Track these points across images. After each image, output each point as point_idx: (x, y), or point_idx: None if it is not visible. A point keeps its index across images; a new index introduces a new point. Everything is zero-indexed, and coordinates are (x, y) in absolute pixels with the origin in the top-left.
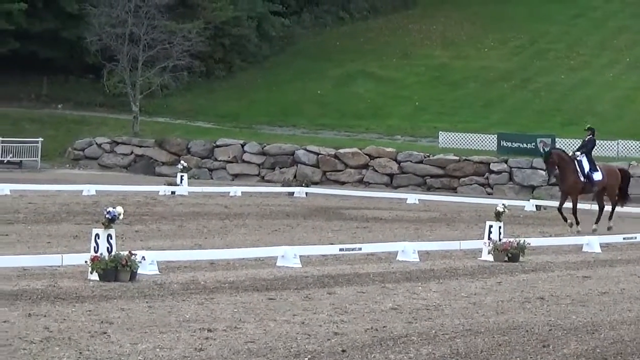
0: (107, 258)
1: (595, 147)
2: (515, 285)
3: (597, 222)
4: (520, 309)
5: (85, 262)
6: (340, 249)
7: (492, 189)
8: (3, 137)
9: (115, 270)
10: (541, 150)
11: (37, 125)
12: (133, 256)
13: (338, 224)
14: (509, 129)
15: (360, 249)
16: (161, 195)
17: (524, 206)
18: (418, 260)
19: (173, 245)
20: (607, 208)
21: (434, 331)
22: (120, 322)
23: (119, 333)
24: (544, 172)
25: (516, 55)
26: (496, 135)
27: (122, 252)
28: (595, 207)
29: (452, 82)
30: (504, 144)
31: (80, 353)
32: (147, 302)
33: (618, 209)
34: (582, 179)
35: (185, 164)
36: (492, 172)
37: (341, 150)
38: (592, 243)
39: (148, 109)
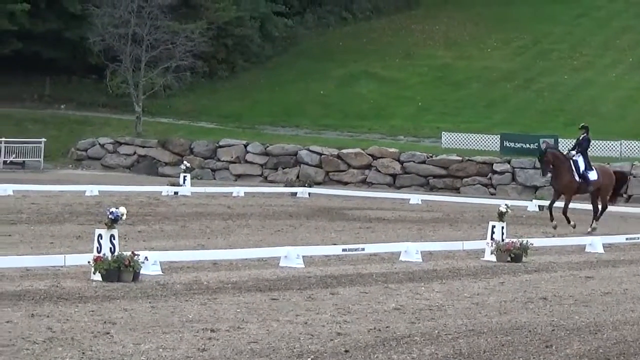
0: (110, 258)
1: (599, 148)
2: (518, 286)
3: (595, 221)
4: (523, 309)
5: (88, 262)
6: (343, 250)
7: (495, 189)
8: (6, 138)
9: (118, 270)
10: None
11: (40, 125)
12: (136, 256)
13: (341, 224)
14: (511, 130)
15: (363, 249)
16: (164, 195)
17: (527, 206)
18: (421, 260)
19: (176, 245)
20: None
21: (436, 331)
22: (123, 323)
23: (122, 333)
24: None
25: (519, 55)
26: (499, 136)
27: (125, 253)
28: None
29: (455, 83)
30: (507, 145)
31: (83, 353)
32: (150, 302)
33: (618, 208)
34: (577, 178)
35: (188, 165)
36: (495, 172)
37: (344, 151)
38: (595, 243)
39: (151, 109)
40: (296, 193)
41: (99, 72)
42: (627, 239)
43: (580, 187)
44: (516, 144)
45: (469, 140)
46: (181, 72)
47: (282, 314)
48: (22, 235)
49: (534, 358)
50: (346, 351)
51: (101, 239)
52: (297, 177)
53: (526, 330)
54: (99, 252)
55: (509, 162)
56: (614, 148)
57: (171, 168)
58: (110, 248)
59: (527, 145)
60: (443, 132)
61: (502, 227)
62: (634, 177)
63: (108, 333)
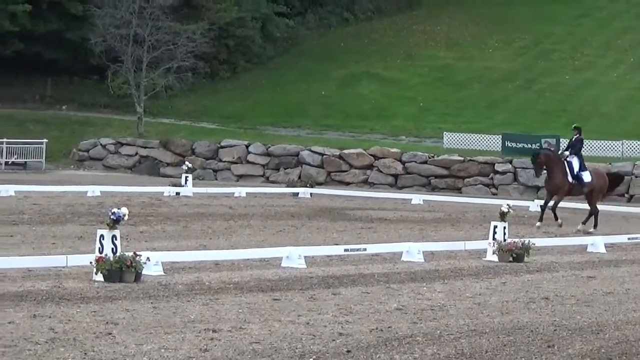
0: (111, 259)
1: (600, 148)
2: (520, 286)
3: (595, 226)
4: (525, 309)
5: (90, 263)
6: (345, 250)
7: (496, 189)
8: (8, 139)
9: (120, 271)
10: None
11: (41, 126)
12: (138, 257)
13: (343, 224)
14: (513, 130)
15: (365, 249)
16: (166, 196)
17: (529, 206)
18: (423, 260)
19: (178, 246)
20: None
21: (438, 331)
22: (125, 323)
23: (124, 334)
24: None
25: (520, 55)
26: (501, 136)
27: (126, 253)
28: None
29: (456, 83)
30: (509, 145)
31: (86, 354)
32: (152, 302)
33: (620, 208)
34: (570, 179)
35: (189, 165)
36: (496, 172)
37: (346, 151)
38: (596, 243)
39: (152, 110)
40: (298, 193)
41: (101, 72)
42: (629, 238)
43: (574, 189)
44: (518, 144)
45: (470, 141)
46: (183, 73)
47: (284, 314)
48: (24, 235)
49: (536, 358)
50: (348, 351)
51: (103, 239)
52: (299, 177)
53: (528, 330)
54: (100, 252)
55: (510, 162)
56: (615, 148)
57: (173, 168)
58: (112, 248)
59: (529, 146)
60: (445, 133)
61: (504, 227)
62: (636, 177)
63: (110, 333)
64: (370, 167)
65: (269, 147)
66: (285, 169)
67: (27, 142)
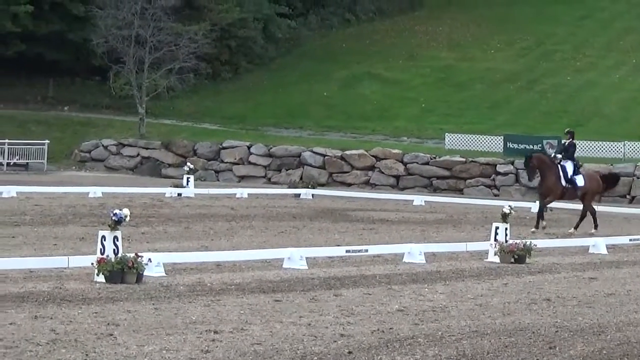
0: (113, 260)
1: (602, 149)
2: (521, 287)
3: (595, 227)
4: (526, 310)
5: (92, 264)
6: (347, 251)
7: (498, 190)
8: (9, 139)
9: (122, 272)
10: (547, 150)
11: (43, 127)
12: (139, 258)
13: (344, 225)
14: (515, 131)
15: (366, 250)
16: (167, 197)
17: (530, 208)
18: (424, 261)
19: (179, 247)
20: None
21: (440, 333)
22: (126, 324)
23: (125, 335)
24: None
25: (522, 56)
26: (502, 137)
27: (128, 254)
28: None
29: (458, 84)
30: (510, 146)
31: (87, 355)
32: (153, 304)
33: (621, 209)
34: (563, 183)
35: (191, 166)
36: (498, 173)
37: (347, 152)
38: (598, 245)
39: (154, 111)
40: (299, 194)
41: (103, 73)
42: (630, 240)
43: (567, 192)
44: (519, 145)
45: (472, 142)
46: (184, 74)
47: (285, 315)
48: (26, 236)
49: (537, 359)
50: (349, 352)
51: (104, 240)
52: (301, 178)
53: (530, 332)
54: (102, 253)
55: (512, 163)
56: (617, 149)
57: (174, 169)
58: (114, 249)
59: (531, 147)
60: (446, 134)
61: (506, 229)
62: (637, 178)
63: (111, 335)
64: (371, 168)
65: (271, 148)
66: (287, 170)
67: (29, 143)
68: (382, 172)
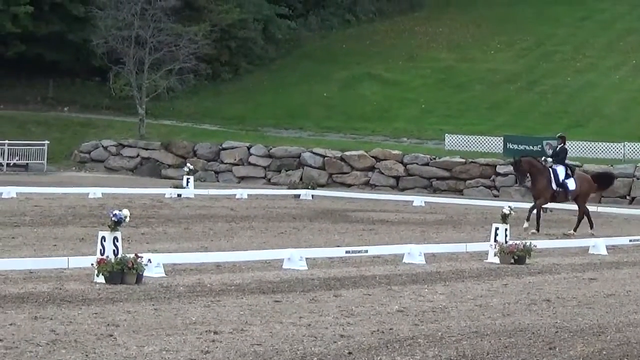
0: (113, 261)
1: (602, 150)
2: (521, 288)
3: (591, 227)
4: (526, 311)
5: (92, 264)
6: (347, 252)
7: (498, 191)
8: (9, 140)
9: (122, 272)
10: (547, 151)
11: (43, 128)
12: (139, 259)
13: (344, 226)
14: (515, 131)
15: (366, 251)
16: (167, 197)
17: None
18: (424, 262)
19: (179, 247)
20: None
21: (440, 333)
22: (126, 325)
23: (125, 336)
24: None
25: (522, 57)
26: (502, 138)
27: (128, 255)
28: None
29: (458, 85)
30: (510, 146)
31: (87, 356)
32: (153, 304)
33: (621, 210)
34: (554, 187)
35: (191, 167)
36: (498, 174)
37: (347, 153)
38: (598, 245)
39: (154, 111)
40: (299, 195)
41: (102, 74)
42: (630, 240)
43: (558, 196)
44: (519, 145)
45: (472, 142)
46: (184, 75)
47: (285, 316)
48: (25, 237)
49: None
50: (349, 353)
51: (104, 241)
52: (301, 179)
53: (529, 332)
54: (102, 254)
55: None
56: (617, 150)
57: (174, 170)
58: (114, 250)
59: (531, 147)
60: (446, 134)
61: (506, 229)
62: (637, 179)
63: (111, 335)
64: (371, 168)
65: (271, 148)
66: (286, 170)
67: (29, 144)
68: (382, 173)
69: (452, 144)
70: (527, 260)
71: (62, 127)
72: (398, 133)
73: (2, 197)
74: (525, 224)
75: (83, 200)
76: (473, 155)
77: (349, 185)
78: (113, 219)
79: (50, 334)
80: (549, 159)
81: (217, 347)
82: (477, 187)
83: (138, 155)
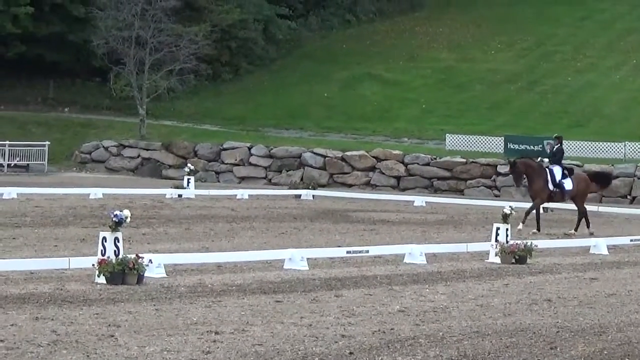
0: (114, 261)
1: (603, 150)
2: (522, 287)
3: (587, 226)
4: (527, 311)
5: (93, 265)
6: (348, 252)
7: (499, 191)
8: (10, 141)
9: (123, 273)
10: (547, 151)
11: (43, 128)
12: (140, 259)
13: (345, 226)
14: (515, 131)
15: (367, 251)
16: (168, 198)
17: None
18: (425, 262)
19: (180, 248)
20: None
21: (441, 333)
22: (127, 325)
23: (126, 336)
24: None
25: (523, 57)
26: (503, 138)
27: (129, 255)
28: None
29: (458, 85)
30: (511, 146)
31: (88, 356)
32: (154, 305)
33: (622, 210)
34: (551, 187)
35: (192, 167)
36: (499, 174)
37: (348, 153)
38: (599, 245)
39: (155, 112)
40: (300, 195)
41: (103, 74)
42: (631, 240)
43: (555, 196)
44: (520, 145)
45: (472, 142)
46: (185, 75)
47: (286, 316)
48: (26, 238)
49: (538, 359)
50: (350, 353)
51: (105, 241)
52: (301, 179)
53: (531, 332)
54: (103, 254)
55: None
56: (618, 150)
57: (175, 171)
58: (115, 251)
59: (531, 147)
60: (447, 134)
61: (507, 229)
62: (638, 178)
63: (112, 336)
64: (372, 169)
65: (272, 149)
66: (287, 170)
67: (30, 145)
68: (383, 173)
69: (452, 144)
70: (528, 260)
71: (62, 127)
72: (399, 133)
73: (3, 197)
74: (520, 226)
75: (84, 200)
76: (474, 155)
77: (350, 186)
78: (114, 219)
79: (51, 335)
80: (545, 160)
81: (218, 348)
82: (478, 187)
83: (139, 156)
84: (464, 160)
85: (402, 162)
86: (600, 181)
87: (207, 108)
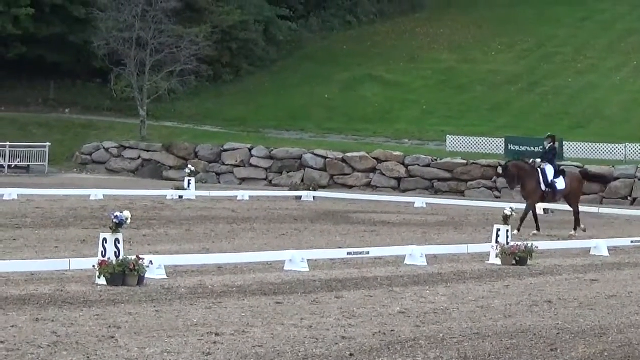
0: (114, 262)
1: (603, 151)
2: (523, 289)
3: (576, 226)
4: (528, 312)
5: (93, 266)
6: (348, 253)
7: (499, 192)
8: (11, 142)
9: (123, 274)
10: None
11: (44, 129)
12: (141, 260)
13: (346, 227)
14: (516, 133)
15: (367, 252)
16: (169, 199)
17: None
18: (426, 264)
19: (181, 249)
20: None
21: (441, 335)
22: (128, 327)
23: (126, 337)
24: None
25: (523, 58)
26: (504, 139)
27: (129, 257)
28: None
29: (459, 86)
30: (512, 148)
31: (88, 358)
32: (154, 306)
33: (623, 211)
34: (543, 187)
35: (192, 168)
36: (499, 175)
37: (349, 154)
38: (600, 246)
39: (155, 113)
40: (301, 197)
41: (104, 76)
42: (632, 242)
43: (547, 196)
44: (521, 147)
45: (473, 144)
46: (186, 76)
47: (286, 317)
48: (27, 239)
49: None
50: (351, 355)
51: (106, 243)
52: (302, 180)
53: (531, 334)
54: (103, 256)
55: None
56: (618, 151)
57: (176, 172)
58: (115, 252)
59: (532, 149)
60: (447, 136)
61: (507, 231)
62: (638, 180)
63: (113, 337)
64: (373, 170)
65: (272, 150)
66: (288, 172)
67: (30, 146)
68: (384, 174)
69: (453, 145)
70: (529, 262)
71: (63, 128)
72: (399, 134)
73: (4, 199)
74: (515, 232)
75: (84, 202)
76: (474, 156)
77: (351, 187)
78: (114, 220)
79: (51, 336)
80: (537, 160)
81: (218, 349)
82: (479, 188)
83: (139, 157)
84: (465, 161)
85: (403, 164)
86: (595, 179)
87: (207, 109)
